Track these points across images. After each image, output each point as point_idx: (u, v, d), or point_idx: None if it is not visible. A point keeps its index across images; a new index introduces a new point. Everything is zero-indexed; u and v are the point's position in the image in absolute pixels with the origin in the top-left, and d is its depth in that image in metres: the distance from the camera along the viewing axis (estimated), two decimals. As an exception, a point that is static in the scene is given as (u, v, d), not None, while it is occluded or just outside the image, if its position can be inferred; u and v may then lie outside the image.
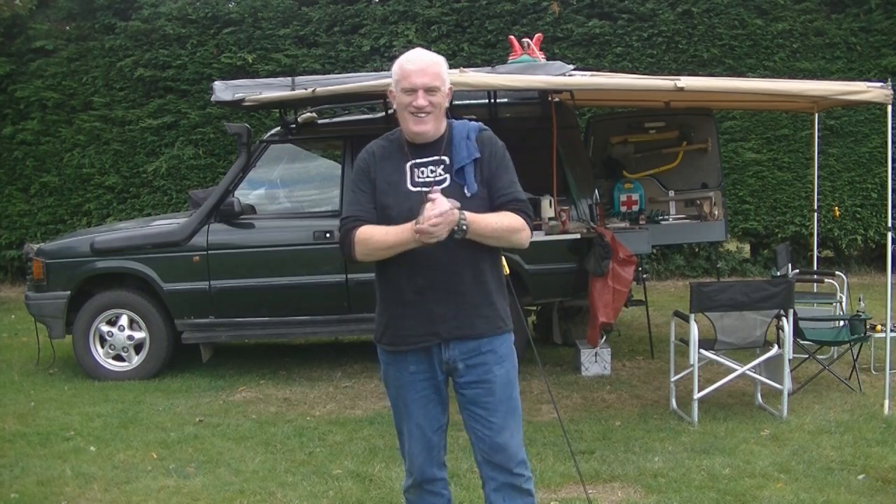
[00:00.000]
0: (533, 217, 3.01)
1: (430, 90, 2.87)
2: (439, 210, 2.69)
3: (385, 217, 2.88)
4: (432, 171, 2.91)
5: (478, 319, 2.92)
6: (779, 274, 6.97)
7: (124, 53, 11.30)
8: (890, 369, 5.64)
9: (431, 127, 2.90)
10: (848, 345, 6.24)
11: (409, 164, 2.93)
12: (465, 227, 2.77)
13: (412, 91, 2.86)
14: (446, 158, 2.92)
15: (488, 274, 2.95)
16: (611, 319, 6.48)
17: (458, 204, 2.76)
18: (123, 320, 6.76)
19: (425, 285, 2.87)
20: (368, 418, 5.67)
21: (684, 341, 5.50)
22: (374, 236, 2.86)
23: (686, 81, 5.49)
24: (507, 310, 3.02)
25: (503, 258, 3.07)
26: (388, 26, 11.23)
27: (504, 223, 2.87)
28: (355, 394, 6.34)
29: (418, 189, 2.88)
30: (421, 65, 2.88)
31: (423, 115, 2.87)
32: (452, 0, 11.23)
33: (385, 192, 2.91)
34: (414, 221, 2.75)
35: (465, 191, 2.88)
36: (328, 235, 6.63)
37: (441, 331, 2.90)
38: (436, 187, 2.83)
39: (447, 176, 2.90)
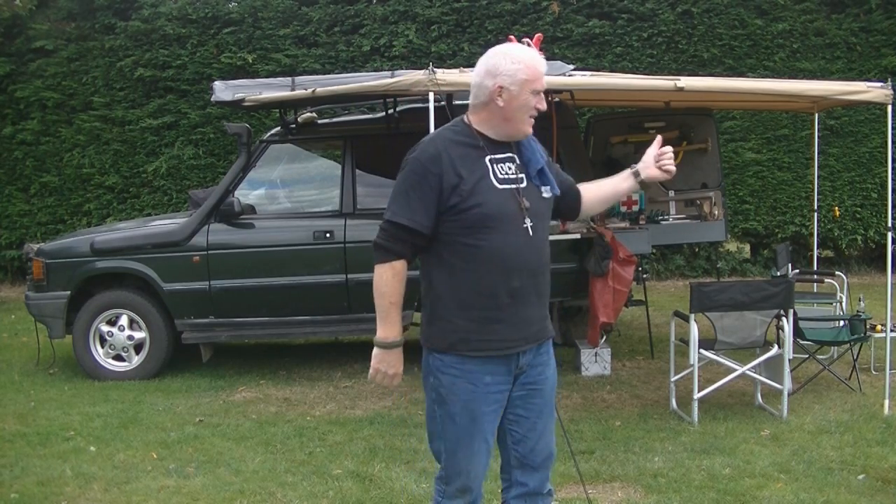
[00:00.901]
0: None
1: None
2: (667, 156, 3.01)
3: (478, 216, 2.69)
4: (509, 169, 2.80)
5: (547, 321, 2.92)
6: (779, 274, 6.97)
7: (124, 53, 11.29)
8: (890, 369, 5.65)
9: None
10: (848, 345, 6.24)
11: (487, 159, 2.77)
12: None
13: (538, 93, 2.77)
14: (516, 157, 2.84)
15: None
16: (611, 319, 6.48)
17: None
18: (123, 320, 6.76)
19: (520, 288, 2.75)
20: (368, 418, 5.67)
21: (684, 341, 5.50)
22: (387, 291, 2.76)
23: (686, 81, 5.49)
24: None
25: None
26: (388, 26, 11.23)
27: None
28: (355, 394, 6.34)
29: (504, 186, 2.75)
30: (544, 68, 2.81)
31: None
32: (452, 0, 11.23)
33: (473, 192, 2.70)
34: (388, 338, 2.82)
35: (543, 191, 2.83)
36: (328, 235, 6.63)
37: (528, 335, 2.82)
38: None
39: (522, 175, 2.82)
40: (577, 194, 3.05)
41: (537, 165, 2.83)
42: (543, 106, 2.81)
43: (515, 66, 2.73)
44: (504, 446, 2.94)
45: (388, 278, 2.75)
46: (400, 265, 2.76)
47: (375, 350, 2.82)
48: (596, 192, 3.09)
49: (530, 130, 2.83)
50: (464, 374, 2.79)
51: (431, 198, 2.71)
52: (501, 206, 2.73)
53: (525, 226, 2.75)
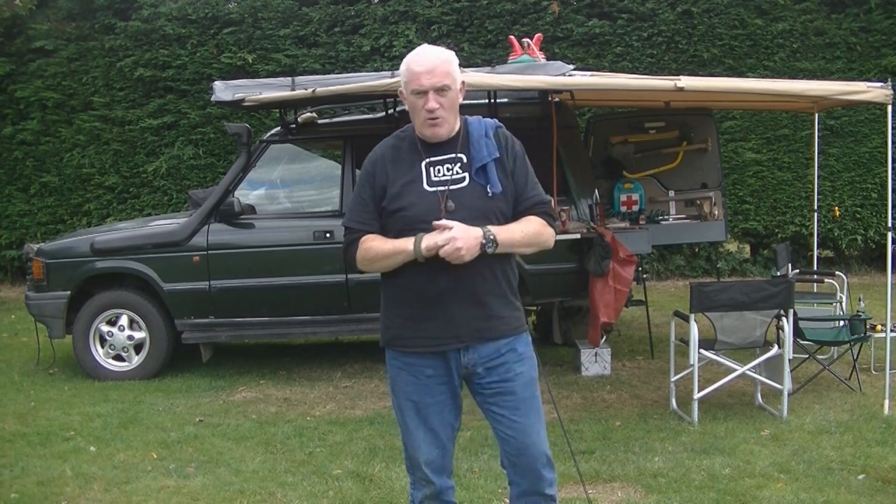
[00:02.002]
0: (555, 216, 2.95)
1: (440, 90, 2.75)
2: (444, 237, 2.64)
3: (401, 220, 2.78)
4: (448, 170, 2.80)
5: (497, 321, 2.85)
6: (779, 274, 6.97)
7: (124, 53, 11.30)
8: (890, 369, 5.64)
9: (446, 129, 2.80)
10: (848, 345, 6.24)
11: (424, 163, 2.81)
12: (494, 242, 2.70)
13: (422, 93, 2.75)
14: (463, 156, 2.81)
15: (506, 274, 2.87)
16: (612, 319, 6.48)
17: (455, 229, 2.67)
18: (123, 320, 6.76)
19: (446, 288, 2.77)
20: (368, 418, 5.67)
21: (684, 341, 5.50)
22: (373, 247, 2.81)
23: (686, 81, 5.49)
24: (522, 310, 2.95)
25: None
26: (388, 26, 11.23)
27: (530, 230, 2.82)
28: (355, 394, 6.33)
29: (435, 189, 2.78)
30: (429, 64, 2.75)
31: (436, 118, 2.76)
32: (452, 0, 11.23)
33: (400, 195, 2.79)
34: (415, 238, 2.70)
35: (488, 190, 2.79)
36: (328, 235, 6.63)
37: (462, 334, 2.81)
38: (443, 220, 2.71)
39: (465, 175, 2.80)
40: (518, 215, 2.86)
41: (478, 163, 2.80)
42: (430, 105, 2.73)
43: (402, 68, 2.83)
44: (499, 445, 2.98)
45: (366, 250, 2.83)
46: (364, 239, 2.84)
47: (419, 253, 2.71)
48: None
49: (433, 133, 2.79)
50: (405, 366, 2.90)
51: (368, 196, 2.85)
52: (424, 209, 2.75)
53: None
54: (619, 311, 6.65)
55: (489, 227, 2.72)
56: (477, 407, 3.03)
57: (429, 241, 2.68)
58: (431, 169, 2.81)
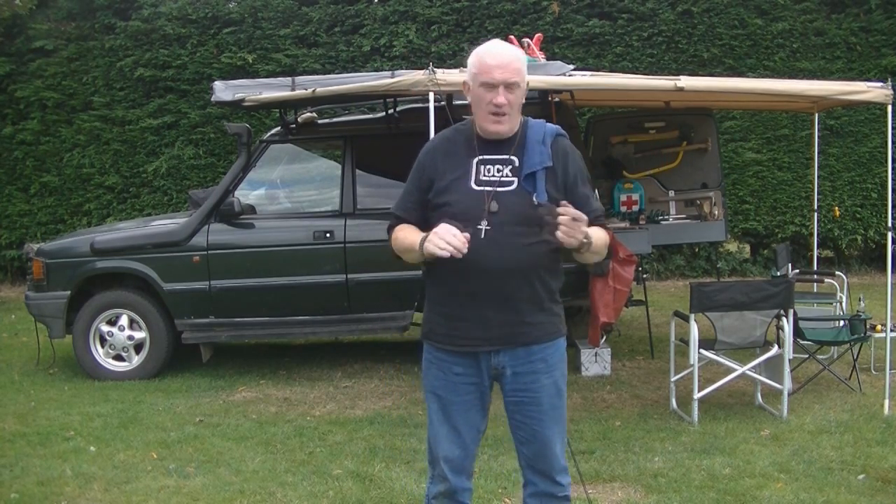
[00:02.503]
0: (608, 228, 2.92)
1: (510, 86, 2.70)
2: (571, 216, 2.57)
3: (444, 215, 2.72)
4: (499, 171, 2.76)
5: (530, 327, 2.80)
6: (779, 274, 6.97)
7: (124, 53, 11.30)
8: (890, 369, 5.64)
9: (508, 127, 2.76)
10: (848, 345, 6.24)
11: (475, 161, 2.78)
12: (589, 241, 2.65)
13: (492, 87, 2.70)
14: (515, 159, 2.77)
15: (545, 281, 2.81)
16: (612, 319, 6.48)
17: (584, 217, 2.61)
18: (123, 320, 6.76)
19: (479, 290, 2.75)
20: (368, 418, 5.67)
21: (684, 341, 5.50)
22: (397, 239, 2.84)
23: (686, 81, 5.49)
24: (561, 314, 2.91)
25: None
26: (388, 26, 11.23)
27: (604, 240, 2.79)
28: (355, 394, 6.33)
29: (482, 188, 2.75)
30: (503, 59, 2.71)
31: (502, 114, 2.72)
32: (452, 0, 11.23)
33: (447, 189, 2.77)
34: (420, 238, 2.68)
35: (535, 198, 2.73)
36: (328, 235, 6.63)
37: (493, 337, 2.79)
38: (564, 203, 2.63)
39: (515, 179, 2.76)
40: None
41: (528, 170, 2.77)
42: (499, 100, 2.69)
43: (471, 60, 2.78)
44: (515, 447, 2.98)
45: (395, 240, 2.87)
46: (396, 229, 2.88)
47: (425, 249, 2.66)
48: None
49: (496, 129, 2.75)
50: (436, 361, 2.90)
51: (414, 188, 2.88)
52: (467, 207, 2.73)
53: (479, 227, 2.71)
54: (619, 311, 6.64)
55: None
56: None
57: (431, 246, 2.63)
58: (482, 167, 2.78)
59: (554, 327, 2.87)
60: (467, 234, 2.62)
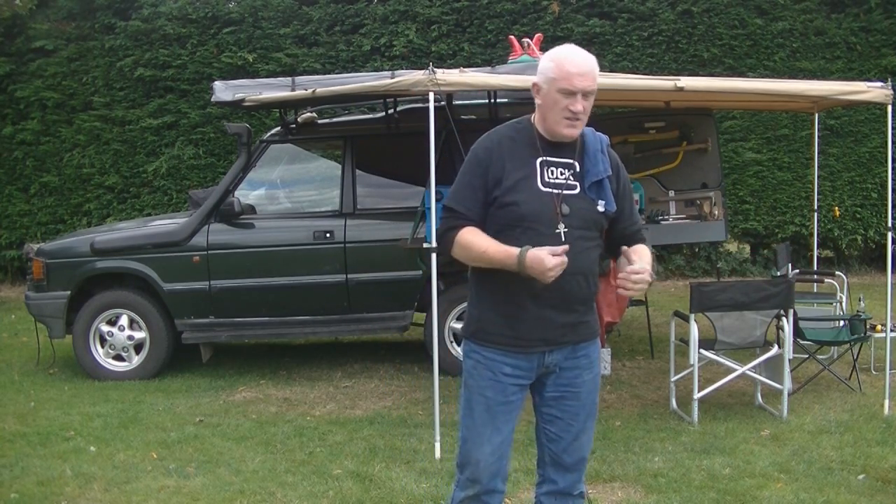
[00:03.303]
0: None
1: (588, 94, 2.74)
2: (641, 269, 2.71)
3: (511, 213, 2.75)
4: (562, 174, 2.79)
5: (583, 327, 2.87)
6: (779, 274, 6.97)
7: (124, 53, 11.30)
8: (890, 369, 5.65)
9: (579, 132, 2.80)
10: (848, 345, 6.24)
11: (539, 161, 2.80)
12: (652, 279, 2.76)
13: (571, 94, 2.72)
14: (577, 165, 2.81)
15: (595, 280, 2.88)
16: (616, 319, 6.47)
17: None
18: (123, 320, 6.76)
19: (543, 292, 2.74)
20: (368, 418, 5.66)
21: (684, 341, 5.50)
22: (473, 248, 2.77)
23: (686, 81, 5.49)
24: (597, 313, 2.97)
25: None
26: (388, 26, 11.23)
27: (650, 258, 2.87)
28: (355, 394, 6.33)
29: (549, 190, 2.77)
30: (585, 68, 2.73)
31: (577, 119, 2.75)
32: (452, 0, 11.23)
33: (514, 189, 2.76)
34: (518, 253, 2.65)
35: (600, 206, 2.80)
36: (328, 235, 6.63)
37: (550, 338, 2.82)
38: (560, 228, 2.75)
39: (577, 184, 2.80)
40: (625, 241, 2.87)
41: (594, 178, 2.81)
42: (577, 107, 2.72)
43: (548, 64, 2.78)
44: (539, 443, 2.98)
45: (465, 244, 2.79)
46: (465, 231, 2.80)
47: (522, 270, 2.68)
48: (625, 253, 2.82)
49: (567, 132, 2.77)
50: (485, 360, 2.86)
51: (478, 184, 2.80)
52: (537, 208, 2.75)
53: (557, 231, 2.74)
54: (623, 310, 6.63)
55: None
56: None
57: (544, 261, 2.62)
58: (546, 169, 2.80)
59: (596, 325, 2.96)
60: (565, 247, 2.66)
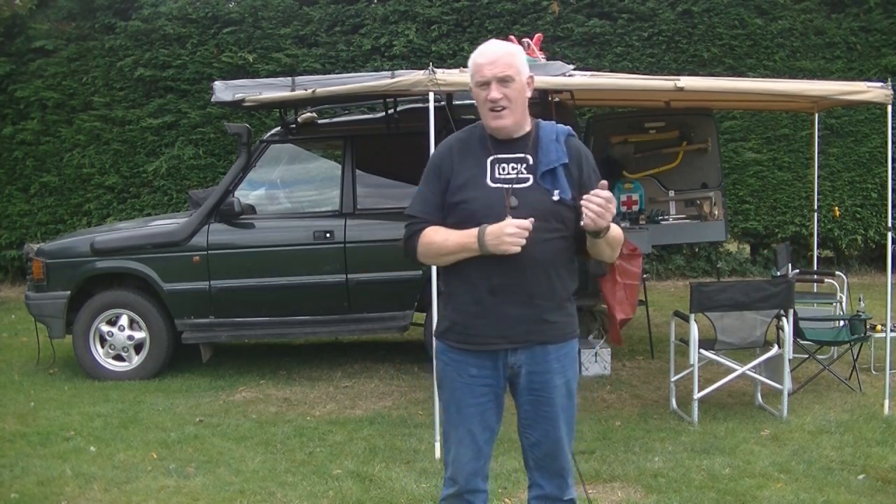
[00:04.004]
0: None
1: (503, 81, 2.74)
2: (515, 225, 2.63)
3: (462, 212, 2.77)
4: (514, 169, 2.80)
5: (548, 325, 2.82)
6: (779, 274, 6.97)
7: (124, 53, 11.30)
8: (890, 369, 5.64)
9: (511, 121, 2.78)
10: (848, 345, 6.24)
11: (490, 159, 2.81)
12: (608, 227, 2.67)
13: (486, 84, 2.75)
14: (530, 158, 2.80)
15: (562, 279, 2.83)
16: (629, 315, 6.46)
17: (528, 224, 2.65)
18: (123, 320, 6.76)
19: (500, 286, 2.75)
20: (368, 418, 5.66)
21: (684, 341, 5.50)
22: (435, 242, 2.80)
23: (686, 81, 5.48)
24: (575, 316, 2.92)
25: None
26: (388, 26, 11.23)
27: (620, 235, 2.82)
28: (355, 394, 6.33)
29: (498, 185, 2.77)
30: (492, 56, 2.76)
31: (499, 108, 2.75)
32: (452, 0, 11.23)
33: (463, 187, 2.79)
34: (478, 231, 2.68)
35: (555, 195, 2.76)
36: (328, 235, 6.63)
37: (512, 335, 2.79)
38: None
39: (530, 176, 2.79)
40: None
41: (546, 167, 2.79)
42: (493, 95, 2.73)
43: (468, 64, 2.84)
44: (522, 447, 2.97)
45: (427, 241, 2.82)
46: (425, 231, 2.83)
47: (483, 245, 2.69)
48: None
49: (497, 124, 2.78)
50: (451, 362, 2.89)
51: (434, 189, 2.85)
52: (486, 204, 2.75)
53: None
54: (635, 305, 6.62)
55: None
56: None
57: (502, 226, 2.63)
58: (496, 166, 2.81)
59: (570, 328, 2.89)
60: (531, 220, 2.65)
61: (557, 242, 2.79)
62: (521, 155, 2.82)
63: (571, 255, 2.87)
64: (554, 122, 2.92)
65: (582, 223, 2.66)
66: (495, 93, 2.74)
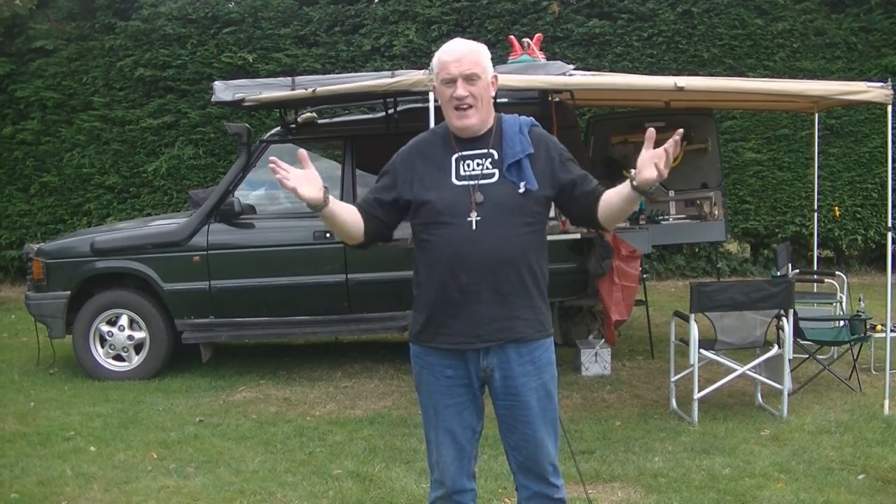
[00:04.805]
0: None
1: (469, 78, 2.73)
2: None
3: (428, 211, 2.78)
4: (479, 165, 2.78)
5: (520, 322, 2.79)
6: (779, 274, 6.97)
7: (124, 53, 11.30)
8: (890, 369, 5.64)
9: (476, 120, 2.77)
10: (848, 345, 6.24)
11: (454, 157, 2.81)
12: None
13: (451, 81, 2.74)
14: (494, 152, 2.79)
15: (534, 275, 2.80)
16: (624, 316, 6.47)
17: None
18: (123, 320, 6.76)
19: (469, 283, 2.73)
20: (368, 418, 5.67)
21: (684, 341, 5.50)
22: None
23: (686, 81, 5.49)
24: (549, 314, 2.89)
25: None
26: (388, 26, 11.24)
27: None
28: (355, 394, 6.33)
29: (463, 183, 2.77)
30: (457, 53, 2.75)
31: (465, 107, 2.74)
32: (452, 0, 11.23)
33: (428, 188, 2.79)
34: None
35: (521, 187, 2.74)
36: (328, 235, 6.63)
37: (483, 333, 2.77)
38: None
39: (496, 171, 2.77)
40: (593, 199, 2.80)
41: (511, 159, 2.78)
42: (459, 92, 2.73)
43: (433, 62, 2.84)
44: (505, 450, 2.95)
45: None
46: None
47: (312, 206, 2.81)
48: (607, 198, 2.78)
49: (462, 124, 2.77)
50: (427, 365, 2.90)
51: (384, 185, 2.90)
52: (451, 202, 2.75)
53: (469, 219, 2.73)
54: (631, 307, 6.63)
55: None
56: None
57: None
58: (461, 163, 2.80)
59: (542, 325, 2.86)
60: (303, 152, 2.78)
61: (527, 237, 2.78)
62: (485, 150, 2.81)
63: (544, 249, 2.86)
64: (516, 115, 2.90)
65: (635, 183, 2.61)
66: (461, 90, 2.74)
